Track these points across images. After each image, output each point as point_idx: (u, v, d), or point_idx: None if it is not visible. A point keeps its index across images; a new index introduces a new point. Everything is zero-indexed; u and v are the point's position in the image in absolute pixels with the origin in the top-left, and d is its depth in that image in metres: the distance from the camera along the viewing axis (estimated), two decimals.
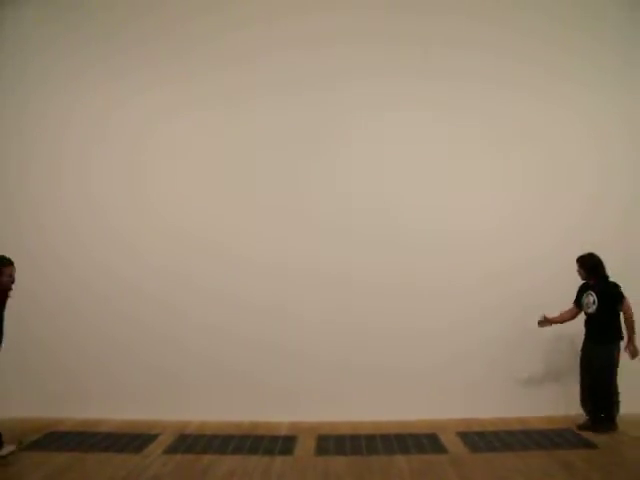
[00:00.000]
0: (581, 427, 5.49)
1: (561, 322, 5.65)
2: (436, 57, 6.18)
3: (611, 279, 5.45)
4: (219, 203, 6.17)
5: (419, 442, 5.24)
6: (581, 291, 5.61)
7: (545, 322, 5.63)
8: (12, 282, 4.89)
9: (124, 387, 6.06)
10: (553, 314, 5.63)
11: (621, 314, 5.40)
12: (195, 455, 4.98)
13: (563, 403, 5.88)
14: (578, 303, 5.61)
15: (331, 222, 6.08)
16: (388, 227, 6.05)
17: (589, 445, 5.06)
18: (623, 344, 5.40)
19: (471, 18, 6.20)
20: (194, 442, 5.31)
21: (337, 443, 5.27)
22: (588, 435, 5.28)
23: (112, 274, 6.19)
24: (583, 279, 5.58)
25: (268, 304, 6.02)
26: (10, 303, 6.15)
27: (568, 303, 5.70)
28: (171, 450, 5.12)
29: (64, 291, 6.21)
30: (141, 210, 6.23)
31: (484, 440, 5.26)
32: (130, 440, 5.37)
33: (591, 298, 5.48)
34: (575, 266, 5.55)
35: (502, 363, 5.95)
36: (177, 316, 6.07)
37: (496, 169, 6.18)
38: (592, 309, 5.46)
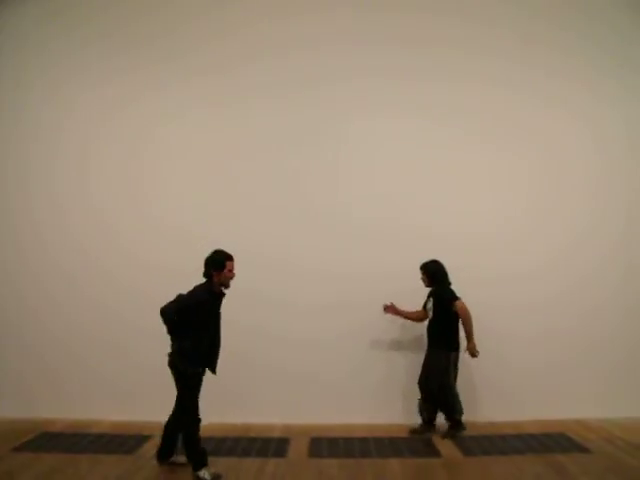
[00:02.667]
0: (414, 431, 5.51)
1: (404, 317, 5.72)
2: (437, 59, 6.22)
3: (452, 286, 5.49)
4: (218, 204, 6.18)
5: (412, 445, 5.24)
6: (428, 297, 5.64)
7: (389, 309, 5.65)
8: (232, 278, 4.66)
9: (116, 388, 6.03)
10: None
11: (460, 320, 5.45)
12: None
13: (557, 407, 5.90)
14: (425, 307, 5.61)
15: (331, 222, 6.09)
16: (388, 227, 6.05)
17: (582, 450, 5.06)
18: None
19: (470, 20, 6.24)
20: None
21: (330, 445, 5.26)
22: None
23: (105, 275, 6.18)
24: (426, 286, 5.57)
25: (265, 304, 6.00)
26: (1, 305, 6.17)
27: (568, 303, 5.75)
28: None
29: (56, 293, 6.18)
30: (138, 210, 6.22)
31: (477, 444, 5.26)
32: (123, 441, 5.35)
33: (429, 304, 5.54)
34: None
35: (496, 369, 5.96)
36: None
37: (495, 170, 6.23)
38: (430, 315, 5.52)
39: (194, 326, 4.44)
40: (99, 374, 6.07)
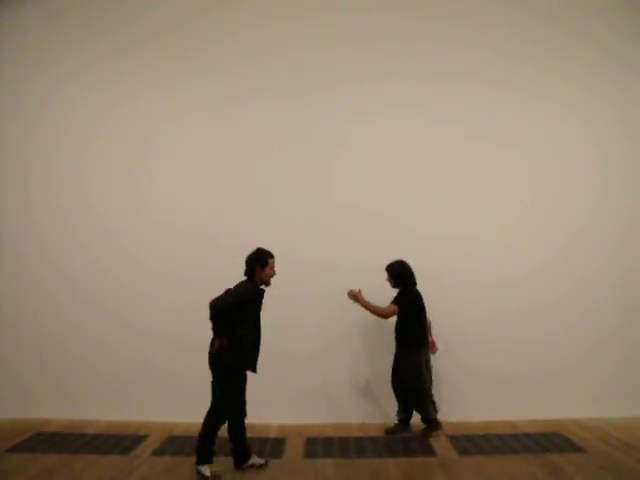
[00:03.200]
0: (389, 431, 5.52)
1: (369, 309, 5.39)
2: (437, 59, 6.22)
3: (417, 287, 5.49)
4: (218, 204, 6.18)
5: (408, 445, 5.24)
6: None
7: (352, 296, 5.39)
8: (272, 276, 4.69)
9: (112, 388, 6.02)
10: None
11: (428, 320, 5.51)
12: (184, 457, 4.92)
13: (552, 406, 5.91)
14: (400, 304, 5.47)
15: (331, 223, 6.08)
16: (387, 229, 6.05)
17: (577, 449, 5.07)
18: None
19: (469, 20, 6.24)
20: (183, 444, 5.26)
21: (326, 446, 5.26)
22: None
23: (102, 275, 6.17)
24: (392, 287, 5.52)
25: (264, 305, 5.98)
26: None
27: (565, 305, 5.82)
28: (159, 452, 5.08)
29: (53, 292, 6.18)
30: (137, 210, 6.23)
31: (473, 443, 5.26)
32: (118, 441, 5.33)
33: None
34: None
35: (492, 368, 5.96)
36: (168, 317, 6.02)
37: (494, 171, 6.23)
38: (396, 316, 5.51)
39: (243, 323, 4.47)
40: (95, 374, 6.06)
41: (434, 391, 5.53)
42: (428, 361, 5.51)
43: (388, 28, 6.21)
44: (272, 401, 5.80)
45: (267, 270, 4.63)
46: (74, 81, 6.32)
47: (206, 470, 4.45)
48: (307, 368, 5.94)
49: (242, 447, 4.64)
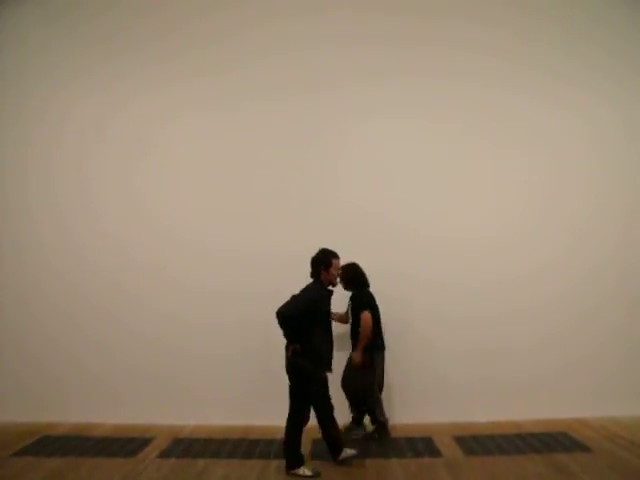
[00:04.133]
0: (345, 430, 5.50)
1: (365, 343, 5.33)
2: (437, 59, 6.22)
3: (371, 289, 5.48)
4: (218, 206, 6.18)
5: (413, 445, 5.24)
6: (349, 300, 5.60)
7: (359, 359, 5.32)
8: (337, 277, 4.82)
9: (118, 391, 6.04)
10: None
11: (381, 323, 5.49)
12: (190, 459, 4.96)
13: (558, 406, 5.91)
14: (367, 307, 5.44)
15: (332, 223, 6.05)
16: (387, 229, 6.05)
17: (584, 448, 5.06)
18: (388, 351, 5.49)
19: (471, 21, 6.23)
20: (189, 446, 5.29)
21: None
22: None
23: (106, 279, 6.19)
24: (344, 289, 5.49)
25: (265, 306, 5.97)
26: (2, 309, 6.17)
27: (569, 304, 5.83)
28: (165, 454, 5.09)
29: (57, 297, 6.19)
30: (138, 213, 6.24)
31: (479, 443, 5.26)
32: (124, 444, 5.35)
33: (348, 307, 5.53)
34: None
35: (497, 368, 5.96)
36: (171, 320, 6.04)
37: (494, 170, 6.22)
38: (350, 318, 5.50)
39: (314, 326, 4.52)
40: (101, 378, 6.08)
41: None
42: (381, 363, 5.48)
43: (389, 29, 6.21)
44: (279, 402, 5.81)
45: (332, 270, 4.74)
46: (74, 83, 6.35)
47: (304, 470, 4.55)
48: None
49: (333, 441, 4.71)
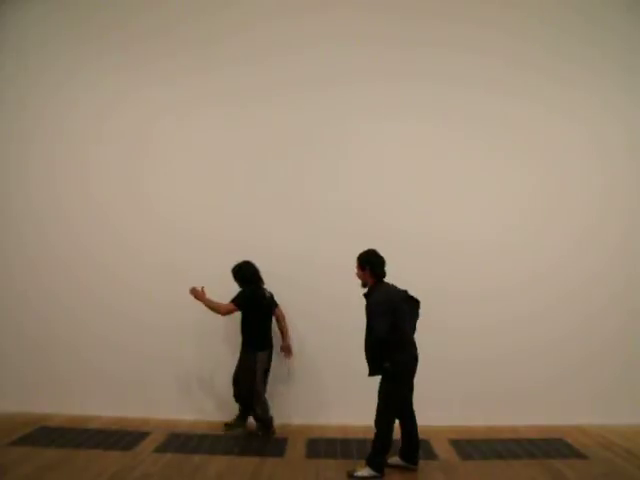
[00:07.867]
0: (227, 426, 5.59)
1: (208, 306, 5.38)
2: (438, 63, 6.20)
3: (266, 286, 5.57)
4: (220, 201, 6.18)
5: None
6: None
7: (193, 291, 5.41)
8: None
9: (115, 384, 6.04)
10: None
11: (274, 321, 5.64)
12: (185, 455, 4.95)
13: (555, 412, 5.90)
14: (236, 302, 5.47)
15: (331, 224, 6.07)
16: (387, 230, 6.00)
17: (580, 455, 5.06)
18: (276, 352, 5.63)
19: (472, 24, 6.21)
20: (185, 441, 5.29)
21: (327, 446, 5.26)
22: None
23: (105, 271, 6.19)
24: (240, 287, 5.55)
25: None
26: (1, 300, 6.18)
27: (567, 311, 5.84)
28: (161, 449, 5.10)
29: (56, 288, 6.20)
30: (140, 207, 6.23)
31: (475, 448, 5.25)
32: (121, 437, 5.35)
33: None
34: None
35: (495, 373, 5.96)
36: (172, 314, 6.04)
37: (496, 176, 6.20)
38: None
39: (397, 326, 4.53)
40: (98, 370, 6.08)
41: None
42: (267, 364, 5.56)
43: (389, 31, 6.18)
44: (275, 401, 5.82)
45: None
46: (76, 77, 6.33)
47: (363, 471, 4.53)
48: (310, 368, 5.99)
49: (410, 444, 4.70)
